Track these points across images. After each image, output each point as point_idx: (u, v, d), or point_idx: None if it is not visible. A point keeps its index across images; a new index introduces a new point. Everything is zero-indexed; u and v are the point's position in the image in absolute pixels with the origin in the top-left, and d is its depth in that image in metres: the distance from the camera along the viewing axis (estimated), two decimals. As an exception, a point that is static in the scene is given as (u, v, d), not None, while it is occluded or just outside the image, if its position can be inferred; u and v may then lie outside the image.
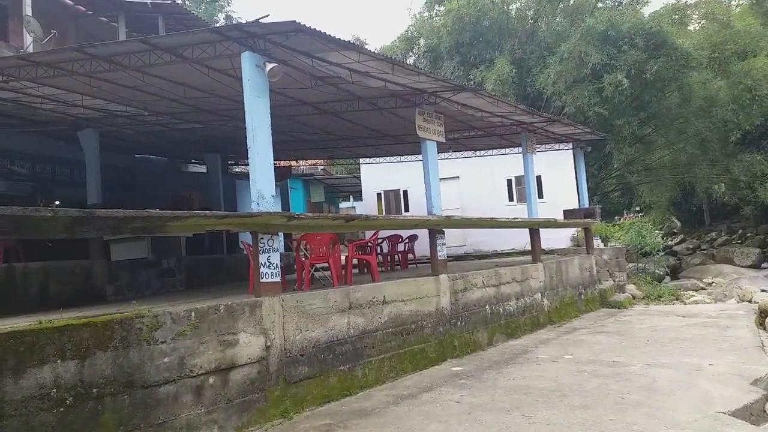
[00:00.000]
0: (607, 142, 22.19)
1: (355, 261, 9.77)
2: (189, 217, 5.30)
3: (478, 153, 17.86)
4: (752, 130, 25.15)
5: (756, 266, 25.37)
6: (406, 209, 20.39)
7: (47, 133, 12.54)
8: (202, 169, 17.99)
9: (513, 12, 25.04)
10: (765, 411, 5.79)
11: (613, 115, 21.73)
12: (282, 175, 18.00)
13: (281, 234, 9.73)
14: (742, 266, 24.93)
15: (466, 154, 17.88)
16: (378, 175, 20.70)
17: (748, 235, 32.40)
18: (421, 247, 11.24)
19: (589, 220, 14.93)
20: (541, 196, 17.19)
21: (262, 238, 6.15)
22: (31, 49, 11.92)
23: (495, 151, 17.43)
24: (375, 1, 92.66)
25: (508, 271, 10.51)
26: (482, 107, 11.02)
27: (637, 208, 31.15)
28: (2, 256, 9.57)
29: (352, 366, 6.83)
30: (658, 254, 18.94)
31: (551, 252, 15.63)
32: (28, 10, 12.61)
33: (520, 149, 13.83)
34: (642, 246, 18.10)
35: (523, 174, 13.82)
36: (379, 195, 21.03)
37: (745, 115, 23.22)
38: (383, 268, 12.02)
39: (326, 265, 8.12)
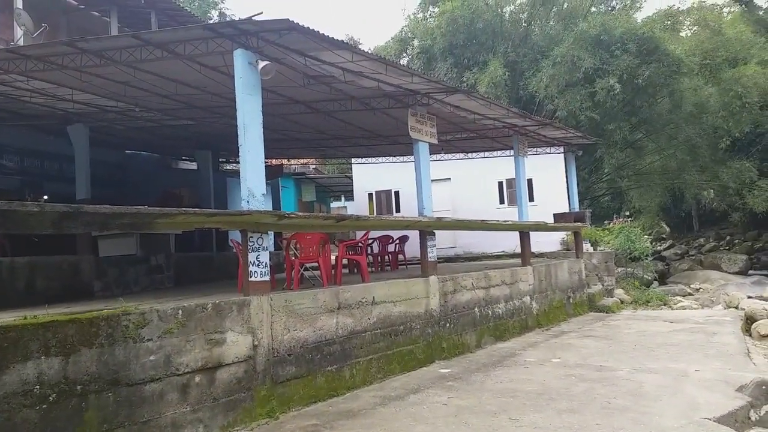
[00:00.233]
0: (598, 146, 22.33)
1: (345, 261, 9.75)
2: (178, 215, 5.27)
3: (470, 155, 17.90)
4: (742, 138, 25.40)
5: (743, 273, 25.60)
6: (398, 210, 20.40)
7: (36, 127, 12.44)
8: (193, 166, 17.91)
9: (507, 15, 25.10)
10: (749, 418, 5.83)
11: (605, 119, 21.84)
12: (273, 174, 17.94)
13: (271, 233, 9.70)
14: (729, 272, 25.13)
15: (458, 156, 17.92)
16: (370, 176, 20.71)
17: (736, 241, 32.73)
18: (412, 248, 11.24)
19: (579, 224, 14.99)
20: (531, 199, 17.25)
21: (251, 237, 6.12)
22: (21, 43, 11.81)
23: (487, 154, 17.47)
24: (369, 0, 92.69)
25: (498, 274, 10.52)
26: (475, 109, 11.04)
27: (627, 213, 31.37)
28: (-12, 251, 9.48)
29: (339, 366, 6.81)
30: (646, 259, 19.04)
31: (541, 255, 15.67)
32: (19, 3, 12.48)
33: (512, 152, 13.88)
34: (631, 251, 18.18)
35: (514, 177, 13.87)
36: (370, 195, 21.04)
37: (734, 122, 23.44)
38: (373, 269, 12.00)
39: (316, 264, 8.10)
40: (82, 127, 11.73)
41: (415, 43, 26.57)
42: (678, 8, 24.34)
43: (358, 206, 21.39)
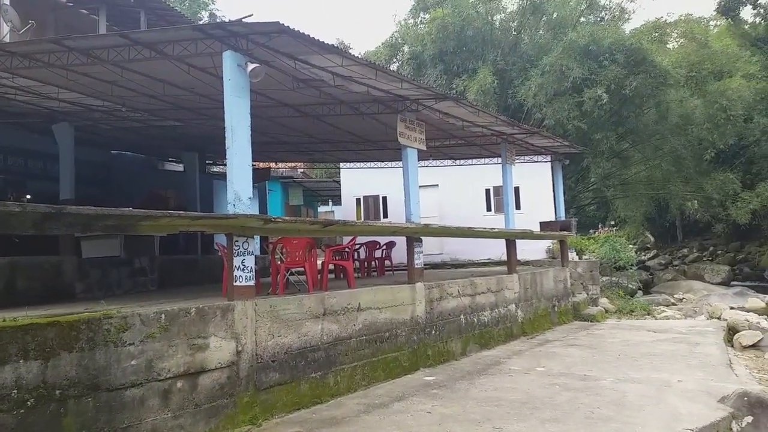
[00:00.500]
0: (585, 155, 22.49)
1: (331, 266, 9.71)
2: (162, 217, 5.20)
3: (458, 162, 17.93)
4: (726, 150, 25.72)
5: (725, 284, 25.87)
6: (385, 215, 20.38)
7: (21, 125, 12.26)
8: (179, 167, 17.76)
9: (497, 23, 25.24)
10: (731, 429, 5.86)
11: (592, 129, 22.01)
12: (261, 177, 17.85)
13: (257, 237, 9.62)
14: (712, 283, 25.38)
15: (446, 162, 17.94)
16: (358, 180, 20.68)
17: (719, 252, 33.11)
18: (399, 254, 11.22)
19: (564, 232, 15.06)
20: (518, 207, 17.30)
21: (237, 241, 6.07)
22: (7, 39, 11.66)
23: (474, 161, 17.51)
24: (361, 2, 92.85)
25: (484, 282, 10.53)
26: (463, 116, 11.06)
27: (612, 222, 31.58)
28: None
29: (324, 373, 6.76)
30: (631, 269, 19.17)
31: (527, 263, 15.71)
32: (6, -1, 12.34)
33: (500, 160, 13.90)
34: (616, 260, 18.30)
35: (501, 184, 13.90)
36: (358, 200, 21.01)
37: (719, 134, 23.74)
38: (360, 275, 11.97)
39: (302, 269, 8.05)
40: (67, 126, 11.59)
41: (406, 48, 26.65)
42: (666, 20, 24.58)
43: (346, 211, 21.34)
